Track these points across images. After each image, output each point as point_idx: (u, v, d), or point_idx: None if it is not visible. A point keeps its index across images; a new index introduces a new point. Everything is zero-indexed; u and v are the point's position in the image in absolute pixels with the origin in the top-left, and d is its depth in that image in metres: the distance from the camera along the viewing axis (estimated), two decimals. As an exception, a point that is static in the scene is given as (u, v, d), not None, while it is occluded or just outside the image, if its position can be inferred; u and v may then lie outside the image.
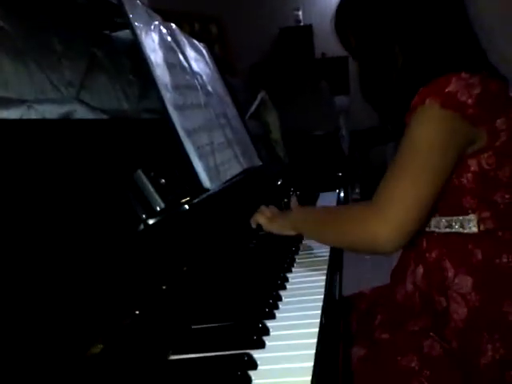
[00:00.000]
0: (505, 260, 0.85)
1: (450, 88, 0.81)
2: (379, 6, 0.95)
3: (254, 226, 1.05)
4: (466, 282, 0.85)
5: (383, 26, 0.94)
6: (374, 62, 0.98)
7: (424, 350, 0.88)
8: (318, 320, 0.67)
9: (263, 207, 1.07)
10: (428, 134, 0.82)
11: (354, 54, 1.04)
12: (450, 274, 0.87)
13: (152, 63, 0.83)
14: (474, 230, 0.86)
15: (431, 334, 0.89)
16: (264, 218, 1.03)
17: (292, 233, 1.00)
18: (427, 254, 0.92)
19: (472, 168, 0.85)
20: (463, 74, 0.83)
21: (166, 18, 1.09)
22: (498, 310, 0.84)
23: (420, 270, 0.94)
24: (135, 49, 0.82)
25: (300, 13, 5.17)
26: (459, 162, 0.85)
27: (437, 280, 0.90)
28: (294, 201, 1.19)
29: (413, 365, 0.86)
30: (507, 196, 0.86)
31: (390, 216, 0.79)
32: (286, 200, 1.46)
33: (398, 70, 0.94)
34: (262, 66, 4.97)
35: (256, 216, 1.05)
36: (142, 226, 0.67)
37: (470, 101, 0.81)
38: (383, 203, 0.81)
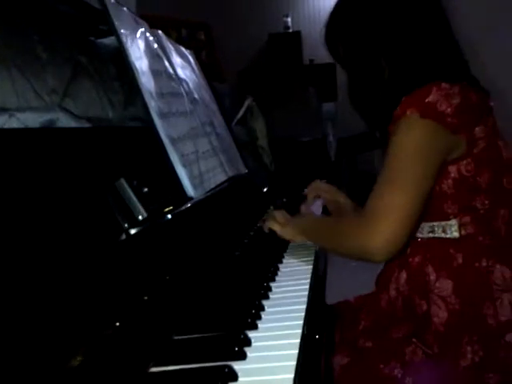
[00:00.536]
0: (484, 264, 0.87)
1: (430, 98, 0.84)
2: (366, 21, 0.98)
3: (266, 230, 1.10)
4: (446, 286, 0.87)
5: (370, 40, 0.97)
6: (361, 73, 1.01)
7: (406, 357, 0.89)
8: (300, 331, 0.67)
9: (276, 212, 1.12)
10: (410, 145, 0.86)
11: (342, 63, 1.07)
12: (432, 277, 0.89)
13: (137, 70, 0.83)
14: (456, 234, 0.89)
15: (413, 340, 0.90)
16: (277, 225, 1.08)
17: (303, 240, 1.06)
18: (410, 259, 0.93)
19: (452, 174, 0.88)
20: (443, 85, 0.86)
21: (153, 25, 1.09)
22: (477, 313, 0.85)
23: (403, 275, 0.95)
24: (121, 56, 0.82)
25: (289, 19, 5.19)
26: (440, 169, 0.87)
27: (419, 284, 0.92)
28: (303, 208, 1.23)
29: (395, 372, 0.88)
30: (486, 201, 0.88)
31: (379, 229, 0.82)
32: (284, 200, 1.47)
33: (384, 82, 0.97)
34: (251, 72, 4.97)
35: (269, 222, 1.09)
36: (123, 236, 0.67)
37: (449, 110, 0.84)
38: (371, 216, 0.84)
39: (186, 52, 1.29)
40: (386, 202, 0.84)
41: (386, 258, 0.86)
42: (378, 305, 1.02)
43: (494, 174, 0.89)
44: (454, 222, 0.89)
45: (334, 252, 1.01)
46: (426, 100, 0.85)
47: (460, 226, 0.88)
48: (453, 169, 0.88)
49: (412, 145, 0.86)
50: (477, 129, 0.88)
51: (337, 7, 1.04)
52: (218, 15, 4.98)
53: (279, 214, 1.11)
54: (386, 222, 0.82)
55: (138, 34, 0.93)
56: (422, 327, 0.90)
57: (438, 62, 0.94)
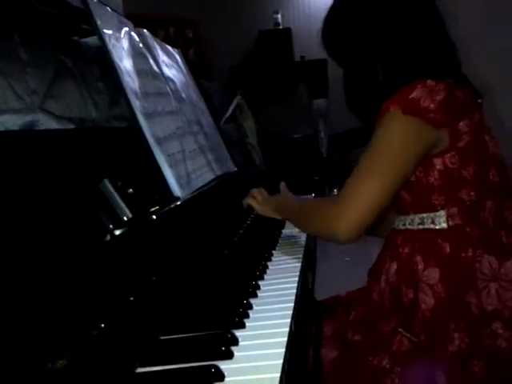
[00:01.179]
0: (470, 254, 0.89)
1: (414, 95, 0.88)
2: (361, 21, 1.01)
3: (245, 206, 1.20)
4: (434, 274, 0.90)
5: (364, 39, 1.01)
6: (356, 72, 1.05)
7: (393, 348, 0.91)
8: (287, 329, 0.67)
9: (254, 190, 1.20)
10: (389, 138, 0.90)
11: (339, 61, 1.10)
12: (420, 266, 0.92)
13: (120, 70, 0.82)
14: (444, 225, 0.91)
15: (399, 329, 0.93)
16: (256, 202, 1.18)
17: (278, 217, 1.14)
18: (400, 250, 0.96)
19: (437, 167, 0.91)
20: (429, 82, 0.89)
21: (140, 23, 1.08)
22: (462, 301, 0.88)
23: (394, 266, 0.98)
24: (105, 55, 0.82)
25: (279, 16, 5.18)
26: (426, 162, 0.91)
27: (407, 274, 0.94)
28: (282, 185, 1.25)
29: (384, 363, 0.90)
30: (472, 193, 0.91)
31: (345, 213, 0.88)
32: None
33: (378, 81, 1.01)
34: (241, 69, 4.96)
35: (248, 199, 1.19)
36: (108, 237, 0.66)
37: (432, 106, 0.87)
38: (341, 201, 0.90)
39: (173, 51, 1.28)
40: (356, 189, 0.90)
41: (349, 241, 0.89)
42: (370, 297, 1.04)
43: (479, 167, 0.91)
44: (442, 213, 0.92)
45: (305, 231, 1.12)
46: (410, 96, 0.88)
47: (448, 217, 0.91)
48: (438, 161, 0.90)
49: (391, 138, 0.90)
50: (461, 123, 0.90)
51: (333, 8, 1.07)
52: (207, 12, 4.97)
53: (257, 192, 1.19)
54: (353, 206, 0.88)
55: (122, 34, 0.92)
56: (408, 316, 0.92)
57: (426, 60, 0.97)
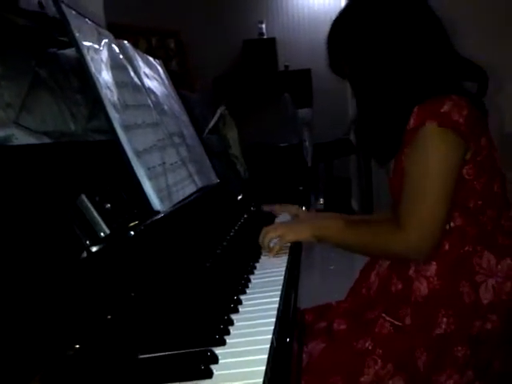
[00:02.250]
0: (469, 249, 0.95)
1: (444, 109, 0.91)
2: (371, 37, 1.02)
3: (266, 244, 1.07)
4: (431, 267, 0.96)
5: (375, 56, 1.02)
6: (369, 89, 1.05)
7: (376, 330, 0.97)
8: (268, 345, 0.66)
9: (270, 227, 1.09)
10: (434, 155, 0.92)
11: (345, 77, 1.11)
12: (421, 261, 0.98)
13: (99, 83, 0.81)
14: (446, 226, 0.96)
15: (383, 314, 0.98)
16: (277, 232, 1.06)
17: (310, 239, 1.07)
18: None
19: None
20: (453, 97, 0.93)
21: (122, 33, 1.07)
22: (455, 291, 0.94)
23: (387, 262, 1.05)
24: (83, 67, 0.80)
25: (263, 25, 5.22)
26: None
27: (401, 268, 1.01)
28: (300, 209, 1.28)
29: (366, 345, 0.96)
30: (479, 202, 0.97)
31: (419, 233, 0.93)
32: (253, 209, 1.51)
33: (392, 94, 1.02)
34: (226, 79, 4.97)
35: (267, 235, 1.06)
36: (84, 254, 0.65)
37: (461, 120, 0.91)
38: (410, 222, 0.93)
39: (155, 62, 1.27)
40: (425, 211, 0.92)
41: (425, 258, 0.96)
42: (359, 292, 1.10)
43: (488, 179, 0.97)
44: None
45: (368, 255, 1.12)
46: (441, 110, 0.91)
47: (450, 219, 0.96)
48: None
49: (436, 156, 0.92)
50: (483, 139, 0.96)
51: (335, 26, 1.07)
52: (192, 22, 4.98)
53: (274, 225, 1.11)
54: (429, 227, 0.92)
55: (102, 45, 0.91)
56: (394, 304, 0.98)
57: (446, 74, 1.01)
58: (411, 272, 0.98)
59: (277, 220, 1.35)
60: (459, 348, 0.92)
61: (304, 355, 1.00)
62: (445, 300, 0.94)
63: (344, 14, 1.06)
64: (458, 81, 1.02)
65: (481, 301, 0.93)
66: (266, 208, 1.39)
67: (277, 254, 1.06)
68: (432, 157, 0.92)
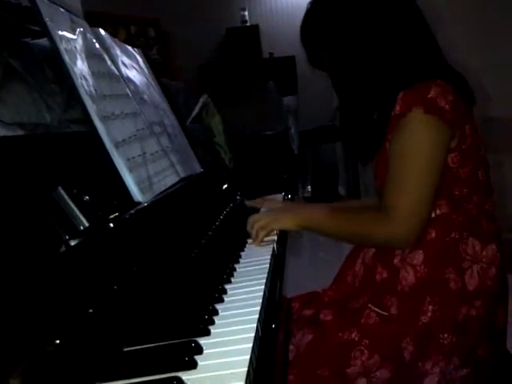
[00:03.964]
0: (456, 236, 0.95)
1: (431, 94, 0.90)
2: (352, 21, 1.00)
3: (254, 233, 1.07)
4: (417, 256, 0.96)
5: (356, 41, 1.00)
6: (351, 75, 1.03)
7: (362, 321, 0.97)
8: (253, 334, 0.65)
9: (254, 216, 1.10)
10: (418, 140, 0.92)
11: (325, 68, 1.09)
12: (406, 250, 0.97)
13: (74, 73, 0.79)
14: (432, 214, 0.96)
15: (369, 305, 0.98)
16: (262, 222, 1.06)
17: (295, 228, 1.06)
18: None
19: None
20: (439, 81, 0.92)
21: (101, 22, 1.05)
22: (441, 278, 0.94)
23: (372, 250, 1.04)
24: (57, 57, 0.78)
25: (246, 13, 5.17)
26: None
27: (386, 256, 1.00)
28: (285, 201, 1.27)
29: (353, 336, 0.96)
30: (465, 190, 0.96)
31: (404, 221, 0.92)
32: (239, 198, 1.48)
33: (374, 78, 1.00)
34: (210, 67, 4.93)
35: (255, 224, 1.07)
36: (63, 248, 0.63)
37: (447, 106, 0.90)
38: (394, 210, 0.92)
39: (133, 50, 1.25)
40: (404, 197, 0.92)
41: (410, 244, 0.95)
42: (344, 279, 1.10)
43: (473, 167, 0.96)
44: None
45: (351, 242, 1.11)
46: (428, 96, 0.90)
47: (436, 206, 0.96)
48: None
49: (420, 141, 0.91)
50: (467, 126, 0.95)
51: (311, 13, 1.05)
52: (174, 10, 4.91)
53: (257, 215, 1.11)
54: (405, 214, 0.92)
55: (76, 34, 0.89)
56: (379, 293, 0.98)
57: (429, 59, 0.99)
58: (396, 261, 0.98)
59: (262, 210, 1.33)
60: (445, 335, 0.91)
61: (291, 347, 1.00)
62: (431, 287, 0.94)
63: (317, 2, 1.04)
64: (443, 64, 1.01)
65: (466, 287, 0.93)
66: (249, 204, 1.35)
67: (262, 242, 1.06)
68: (417, 144, 0.91)
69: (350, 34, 0.99)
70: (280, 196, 1.55)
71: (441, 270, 0.94)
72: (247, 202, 1.39)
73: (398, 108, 0.92)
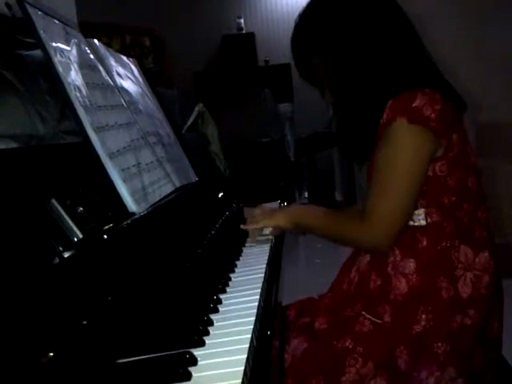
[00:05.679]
0: (445, 244, 0.95)
1: (416, 103, 0.91)
2: (341, 30, 1.00)
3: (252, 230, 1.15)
4: (409, 264, 0.96)
5: (346, 50, 1.00)
6: (340, 84, 1.03)
7: (356, 329, 0.96)
8: (248, 345, 0.65)
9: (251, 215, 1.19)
10: (400, 150, 0.93)
11: (314, 78, 1.09)
12: (398, 258, 0.97)
13: (68, 84, 0.79)
14: (423, 222, 0.97)
15: (363, 312, 0.98)
16: (260, 222, 1.14)
17: (287, 225, 1.12)
18: None
19: (427, 173, 0.95)
20: (427, 90, 0.92)
21: (96, 32, 1.06)
22: (433, 287, 0.93)
23: (367, 257, 1.04)
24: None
25: (242, 21, 5.20)
26: None
27: (380, 264, 1.00)
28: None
29: (347, 344, 0.95)
30: (453, 198, 0.96)
31: (377, 225, 0.95)
32: (241, 205, 1.48)
33: (366, 83, 1.00)
34: (206, 75, 4.95)
35: (251, 223, 1.15)
36: (56, 260, 0.63)
37: (433, 115, 0.90)
38: (374, 218, 0.95)
39: (128, 60, 1.25)
40: (384, 206, 0.95)
41: (386, 248, 0.98)
42: (340, 287, 1.10)
43: (461, 175, 0.96)
44: (421, 211, 0.97)
45: (336, 243, 1.12)
46: (413, 105, 0.90)
47: (426, 215, 0.96)
48: (429, 168, 0.95)
49: (402, 151, 0.93)
50: (454, 135, 0.95)
51: (302, 21, 1.04)
52: (170, 19, 4.93)
53: (254, 215, 1.18)
54: (384, 223, 0.94)
55: (70, 46, 0.89)
56: (373, 301, 0.98)
57: (419, 68, 1.00)
58: (389, 269, 0.98)
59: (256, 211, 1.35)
60: (439, 344, 0.91)
61: (286, 356, 0.99)
62: (424, 296, 0.94)
63: (311, 8, 1.04)
64: (433, 72, 1.01)
65: (460, 295, 0.93)
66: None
67: (258, 242, 1.14)
68: (400, 153, 0.93)
69: (342, 40, 1.00)
70: (276, 204, 1.56)
71: (433, 278, 0.94)
72: (246, 212, 1.40)
73: (385, 116, 0.94)
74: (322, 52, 1.02)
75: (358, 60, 0.99)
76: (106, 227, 0.75)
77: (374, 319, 0.96)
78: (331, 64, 1.03)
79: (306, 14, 1.05)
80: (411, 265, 0.96)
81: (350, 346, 0.94)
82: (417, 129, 0.90)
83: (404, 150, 0.93)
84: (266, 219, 1.13)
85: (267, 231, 1.20)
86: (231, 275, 0.96)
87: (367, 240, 0.99)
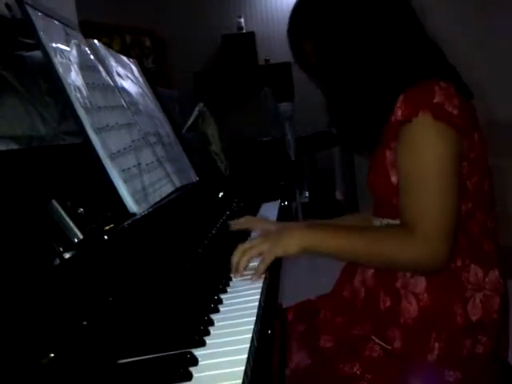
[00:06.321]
0: (459, 264, 0.88)
1: (437, 99, 0.82)
2: (344, 21, 0.92)
3: (241, 268, 0.91)
4: (420, 283, 0.89)
5: (350, 39, 0.91)
6: (342, 74, 0.94)
7: (365, 354, 0.91)
8: (248, 345, 0.65)
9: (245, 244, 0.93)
10: (437, 154, 0.83)
11: (315, 72, 1.01)
12: (408, 274, 0.90)
13: (68, 85, 0.79)
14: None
15: (372, 337, 0.92)
16: (259, 249, 0.90)
17: (300, 252, 0.90)
18: None
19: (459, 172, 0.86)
20: (442, 84, 0.84)
21: (96, 32, 1.06)
22: (448, 311, 0.87)
23: (371, 270, 0.96)
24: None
25: (242, 20, 5.19)
26: None
27: (387, 280, 0.93)
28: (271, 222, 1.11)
29: (355, 370, 0.89)
30: (470, 204, 0.89)
31: (437, 236, 0.82)
32: (241, 204, 1.38)
33: (370, 80, 0.92)
34: (206, 74, 4.95)
35: (246, 253, 0.90)
36: (57, 261, 0.64)
37: (455, 112, 0.82)
38: (425, 227, 0.83)
39: (129, 61, 1.26)
40: (426, 212, 0.83)
41: (443, 263, 0.85)
42: (341, 295, 1.03)
43: (479, 178, 0.90)
44: None
45: (374, 266, 0.95)
46: (434, 101, 0.82)
47: None
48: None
49: (435, 154, 0.83)
50: (475, 134, 0.88)
51: (300, 9, 0.96)
52: (169, 18, 4.93)
53: (250, 242, 0.94)
54: (431, 231, 0.82)
55: (70, 46, 0.89)
56: (383, 324, 0.91)
57: (428, 58, 0.91)
58: (398, 284, 0.91)
59: (253, 234, 1.16)
60: (451, 373, 0.86)
61: (288, 369, 0.96)
62: (436, 321, 0.87)
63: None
64: (440, 59, 0.94)
65: (470, 318, 0.87)
66: (235, 227, 1.15)
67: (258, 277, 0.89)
68: (431, 155, 0.83)
69: (335, 23, 0.92)
70: (277, 204, 1.54)
71: (445, 300, 0.88)
72: (232, 225, 1.17)
73: (399, 113, 0.84)
74: (313, 36, 0.95)
75: (361, 50, 0.91)
76: (107, 228, 0.75)
77: (384, 345, 0.90)
78: (321, 49, 0.94)
79: (300, 5, 0.97)
80: (422, 283, 0.88)
81: (358, 372, 0.89)
82: (442, 126, 0.82)
83: (435, 150, 0.83)
84: (274, 250, 0.89)
85: (254, 263, 0.91)
86: (232, 275, 0.96)
87: (425, 256, 0.84)
